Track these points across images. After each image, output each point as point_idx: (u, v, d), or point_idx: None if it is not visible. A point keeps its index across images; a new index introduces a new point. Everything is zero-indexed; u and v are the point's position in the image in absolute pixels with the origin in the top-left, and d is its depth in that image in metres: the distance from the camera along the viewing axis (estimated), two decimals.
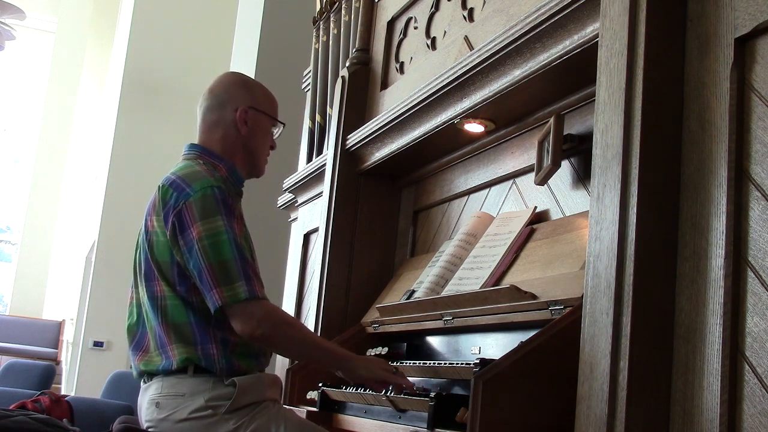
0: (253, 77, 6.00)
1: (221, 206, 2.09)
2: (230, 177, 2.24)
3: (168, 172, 2.23)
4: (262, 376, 2.17)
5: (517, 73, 2.31)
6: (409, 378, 2.22)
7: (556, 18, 2.08)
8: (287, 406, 2.60)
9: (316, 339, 2.22)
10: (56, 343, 12.17)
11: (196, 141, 2.32)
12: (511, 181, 2.65)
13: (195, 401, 2.06)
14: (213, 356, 2.08)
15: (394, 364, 2.36)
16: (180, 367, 2.08)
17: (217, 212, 2.08)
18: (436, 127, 2.75)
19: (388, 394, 2.21)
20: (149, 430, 2.10)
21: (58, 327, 12.34)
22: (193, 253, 2.05)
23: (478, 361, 1.86)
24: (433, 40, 2.97)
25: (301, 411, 2.67)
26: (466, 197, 2.92)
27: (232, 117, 2.27)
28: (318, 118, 3.86)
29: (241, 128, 2.27)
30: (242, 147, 2.29)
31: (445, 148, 2.94)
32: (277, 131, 2.37)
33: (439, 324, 2.50)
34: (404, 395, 2.16)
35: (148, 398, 2.12)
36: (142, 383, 2.19)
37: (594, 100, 1.88)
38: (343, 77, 3.42)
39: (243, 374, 2.11)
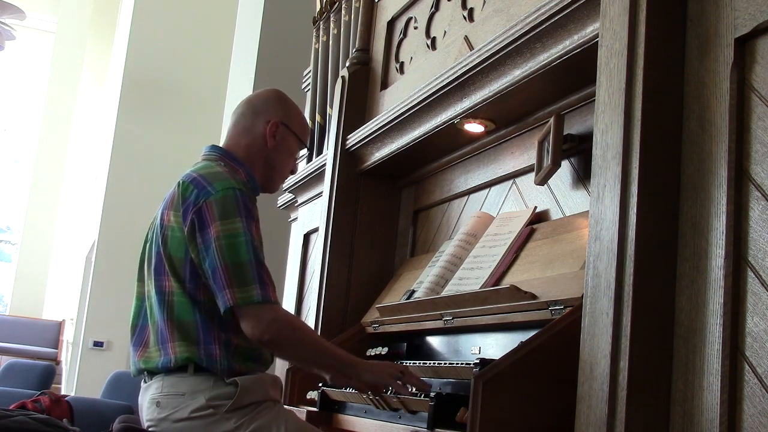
0: (252, 77, 5.95)
1: (242, 208, 2.10)
2: (248, 182, 2.26)
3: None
4: (263, 377, 2.17)
5: (517, 73, 2.31)
6: None
7: (556, 18, 2.08)
8: (287, 407, 2.60)
9: (325, 344, 2.21)
10: (56, 343, 12.17)
11: (218, 143, 2.33)
12: (511, 181, 2.65)
13: (196, 400, 2.05)
14: (215, 357, 2.08)
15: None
16: (180, 365, 2.08)
17: (237, 214, 2.08)
18: (436, 127, 2.75)
19: (388, 393, 2.21)
20: (150, 429, 2.09)
21: (58, 327, 12.34)
22: (210, 251, 2.06)
23: (478, 361, 1.86)
24: (433, 40, 2.97)
25: (301, 411, 2.67)
26: (466, 197, 2.92)
27: (263, 128, 2.30)
28: (318, 118, 3.86)
29: (268, 141, 2.30)
30: (264, 159, 2.31)
31: (445, 148, 2.94)
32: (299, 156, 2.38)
33: (439, 324, 2.50)
34: (404, 395, 2.16)
35: (148, 397, 2.12)
36: (142, 382, 2.18)
37: (594, 100, 1.88)
38: (343, 77, 3.42)
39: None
